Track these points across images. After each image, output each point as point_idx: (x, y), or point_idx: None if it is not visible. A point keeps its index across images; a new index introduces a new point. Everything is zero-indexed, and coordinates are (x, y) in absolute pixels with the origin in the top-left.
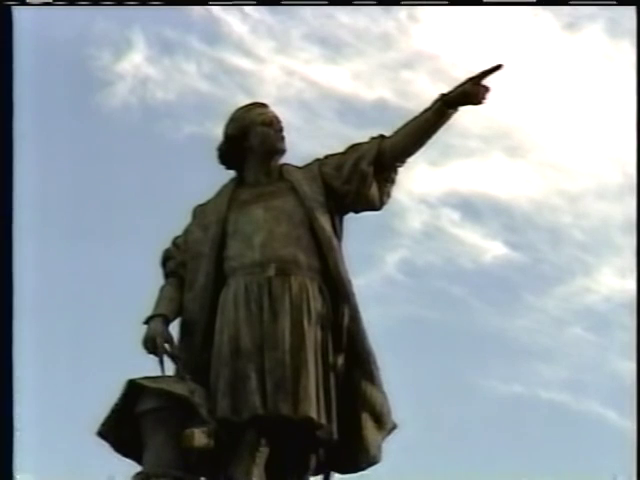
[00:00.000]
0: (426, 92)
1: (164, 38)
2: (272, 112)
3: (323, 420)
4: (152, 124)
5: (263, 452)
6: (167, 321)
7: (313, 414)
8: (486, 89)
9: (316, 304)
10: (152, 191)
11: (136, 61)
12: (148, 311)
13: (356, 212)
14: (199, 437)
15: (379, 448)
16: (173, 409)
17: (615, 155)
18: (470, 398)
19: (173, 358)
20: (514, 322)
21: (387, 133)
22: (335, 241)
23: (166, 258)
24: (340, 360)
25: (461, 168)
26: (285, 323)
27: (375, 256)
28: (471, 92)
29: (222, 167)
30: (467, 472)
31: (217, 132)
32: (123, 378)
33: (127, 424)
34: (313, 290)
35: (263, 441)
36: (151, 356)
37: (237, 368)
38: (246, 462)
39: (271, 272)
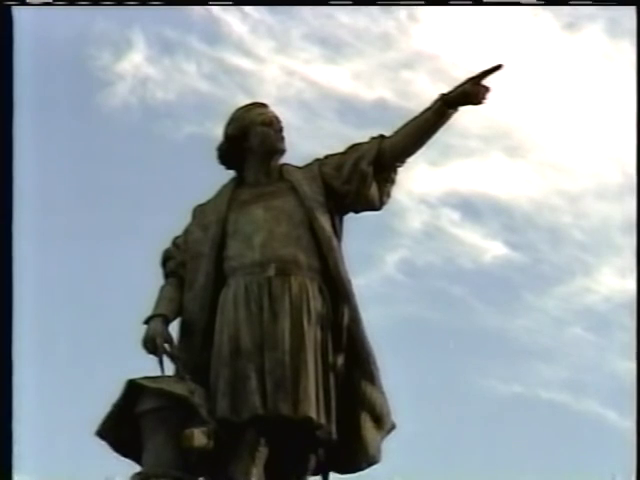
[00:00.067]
0: (426, 92)
1: (164, 38)
2: (272, 112)
3: (323, 420)
4: (152, 124)
5: (263, 452)
6: (167, 321)
7: (313, 414)
8: (486, 89)
9: (316, 304)
10: (152, 191)
11: (136, 61)
12: (148, 311)
13: (356, 212)
14: (199, 437)
15: (378, 448)
16: (173, 409)
17: (615, 155)
18: (470, 398)
19: (173, 358)
20: (514, 322)
21: (387, 133)
22: (335, 241)
23: (166, 258)
24: (340, 360)
25: (461, 168)
26: (285, 323)
27: (375, 256)
28: (471, 92)
29: (222, 167)
30: (467, 472)
31: (217, 132)
32: (123, 378)
33: (127, 424)
34: (313, 290)
35: (263, 441)
36: (151, 356)
37: (237, 368)
38: (246, 462)
39: (271, 272)
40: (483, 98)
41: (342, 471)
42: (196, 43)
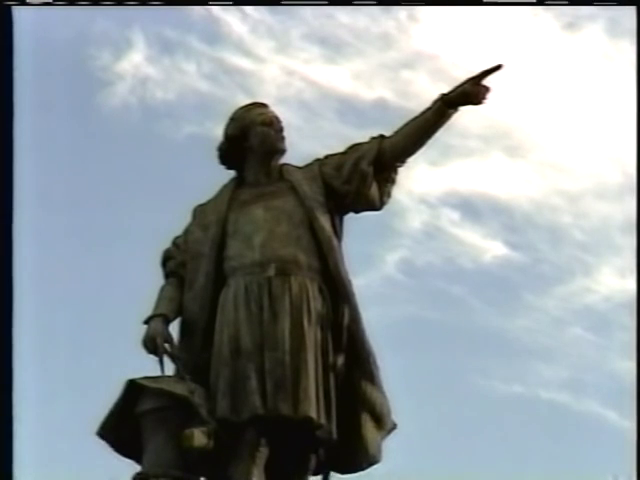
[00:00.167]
0: (426, 92)
1: (164, 38)
2: (272, 112)
3: (323, 420)
4: (152, 124)
5: (263, 452)
6: (167, 321)
7: (313, 414)
8: (486, 89)
9: (316, 304)
10: (152, 191)
11: (136, 61)
12: (148, 311)
13: (356, 212)
14: (199, 437)
15: (379, 448)
16: (173, 409)
17: (615, 155)
18: (470, 398)
19: (173, 358)
20: (514, 322)
21: (387, 133)
22: (335, 241)
23: (166, 258)
24: (340, 360)
25: (461, 168)
26: (285, 323)
27: (375, 256)
28: (471, 92)
29: (222, 167)
30: (467, 472)
31: (217, 132)
32: (123, 378)
33: (127, 424)
34: (313, 290)
35: (263, 441)
36: (151, 356)
37: (237, 368)
38: (246, 462)
39: (271, 272)
40: (483, 98)
41: (342, 471)
42: (196, 43)
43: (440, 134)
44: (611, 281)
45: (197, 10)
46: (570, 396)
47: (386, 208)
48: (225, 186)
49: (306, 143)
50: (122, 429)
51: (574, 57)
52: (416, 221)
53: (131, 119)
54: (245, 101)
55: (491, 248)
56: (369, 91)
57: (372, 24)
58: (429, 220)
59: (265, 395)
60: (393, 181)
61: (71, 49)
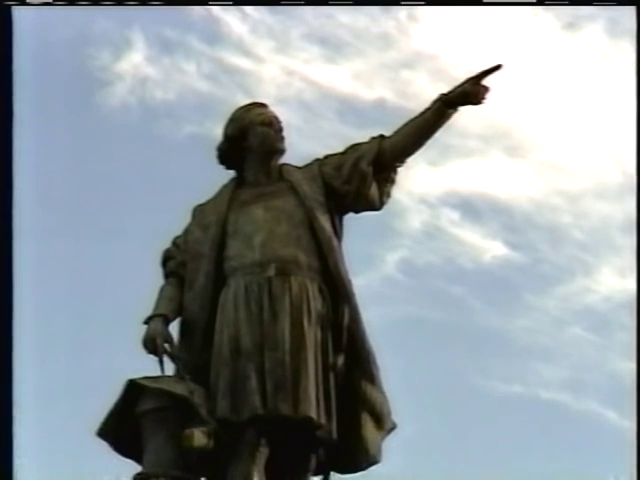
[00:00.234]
0: (426, 92)
1: (164, 38)
2: (272, 112)
3: (323, 420)
4: (152, 124)
5: (263, 452)
6: (167, 321)
7: (313, 414)
8: (486, 89)
9: (316, 304)
10: (152, 191)
11: (136, 61)
12: (148, 311)
13: (356, 212)
14: (199, 437)
15: (379, 448)
16: (173, 409)
17: (615, 155)
18: (470, 398)
19: (173, 358)
20: (514, 322)
21: (387, 133)
22: (335, 241)
23: (166, 258)
24: (340, 360)
25: (461, 168)
26: (285, 323)
27: (375, 256)
28: (471, 92)
29: (222, 167)
30: (467, 472)
31: (217, 132)
32: (123, 378)
33: (127, 424)
34: (313, 290)
35: (263, 441)
36: (151, 356)
37: (237, 368)
38: (246, 462)
39: (271, 272)
40: (483, 98)
41: (342, 471)
42: (196, 43)
43: (440, 134)
44: (611, 281)
45: (197, 10)
46: (570, 396)
47: (386, 208)
48: (225, 186)
49: (306, 143)
50: (122, 429)
51: (574, 57)
52: (416, 221)
53: (131, 119)
54: (245, 101)
55: (491, 248)
56: (369, 91)
57: (372, 24)
58: (429, 220)
59: (265, 395)
60: (393, 181)
61: (71, 49)
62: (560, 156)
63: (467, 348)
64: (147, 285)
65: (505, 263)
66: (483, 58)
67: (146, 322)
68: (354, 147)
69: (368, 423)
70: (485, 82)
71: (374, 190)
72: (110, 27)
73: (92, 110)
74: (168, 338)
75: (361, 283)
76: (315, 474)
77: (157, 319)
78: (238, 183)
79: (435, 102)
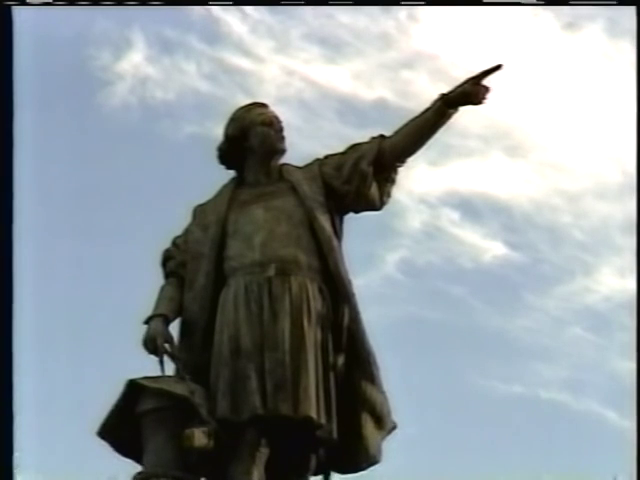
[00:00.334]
0: (426, 92)
1: (164, 38)
2: (272, 112)
3: (323, 420)
4: (152, 124)
5: (263, 452)
6: (167, 321)
7: (313, 414)
8: (486, 89)
9: (316, 304)
10: (152, 191)
11: (136, 61)
12: (148, 311)
13: (356, 212)
14: (199, 437)
15: (379, 448)
16: (173, 409)
17: (615, 155)
18: (470, 398)
19: (173, 358)
20: (514, 322)
21: (387, 133)
22: (335, 241)
23: (166, 258)
24: (340, 360)
25: (461, 168)
26: (285, 323)
27: (375, 256)
28: (471, 92)
29: (222, 167)
30: (467, 472)
31: (217, 132)
32: (123, 378)
33: (127, 424)
34: (313, 290)
35: (263, 441)
36: (151, 356)
37: (237, 368)
38: (246, 462)
39: (271, 272)
40: (483, 98)
41: (343, 471)
42: (196, 43)
43: (440, 134)
44: (611, 281)
45: (197, 10)
46: (570, 396)
47: (386, 208)
48: (225, 186)
49: (306, 143)
50: (122, 429)
51: (574, 57)
52: (416, 221)
53: (131, 119)
54: (245, 101)
55: (491, 248)
56: (369, 91)
57: (372, 24)
58: (429, 220)
59: (265, 395)
60: (393, 181)
61: (71, 49)
62: (560, 156)
63: (467, 348)
64: (147, 285)
65: (505, 263)
66: (483, 58)
67: (146, 322)
68: (354, 147)
69: (368, 423)
70: (485, 82)
71: (374, 190)
72: (110, 27)
73: (92, 110)
74: (168, 338)
75: (361, 283)
76: (315, 474)
77: (157, 319)
78: (238, 183)
79: (435, 102)
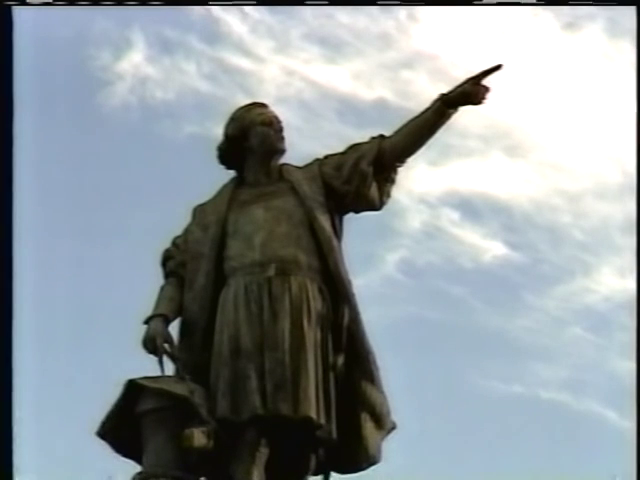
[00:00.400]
0: (426, 92)
1: (164, 38)
2: (272, 112)
3: (323, 420)
4: (152, 124)
5: (263, 452)
6: (167, 321)
7: (313, 414)
8: (486, 89)
9: (316, 304)
10: (152, 191)
11: (136, 61)
12: (148, 311)
13: (356, 212)
14: (199, 437)
15: (378, 448)
16: (173, 409)
17: (615, 155)
18: (470, 398)
19: (173, 358)
20: (514, 322)
21: (387, 133)
22: (335, 241)
23: (166, 258)
24: (340, 360)
25: (461, 168)
26: (285, 323)
27: (375, 256)
28: (471, 92)
29: (222, 167)
30: (467, 472)
31: (217, 132)
32: (123, 378)
33: (127, 424)
34: (313, 290)
35: (263, 441)
36: (151, 356)
37: (237, 368)
38: (246, 462)
39: (271, 272)
40: (483, 98)
41: (342, 471)
42: (196, 43)
43: (440, 134)
44: (611, 281)
45: (197, 10)
46: (570, 396)
47: (386, 208)
48: (225, 186)
49: (306, 143)
50: (122, 429)
51: (574, 57)
52: (416, 221)
53: (131, 119)
54: (245, 101)
55: (491, 248)
56: (369, 91)
57: (372, 24)
58: (429, 220)
59: (265, 395)
60: (393, 181)
61: (71, 49)
62: (560, 156)
63: (467, 348)
64: (147, 285)
65: (505, 263)
66: (483, 58)
67: (146, 322)
68: (354, 147)
69: (368, 423)
70: (485, 82)
71: (374, 190)
72: (110, 27)
73: (92, 110)
74: (168, 338)
75: (361, 283)
76: (315, 474)
77: (157, 319)
78: (238, 183)
79: (435, 102)
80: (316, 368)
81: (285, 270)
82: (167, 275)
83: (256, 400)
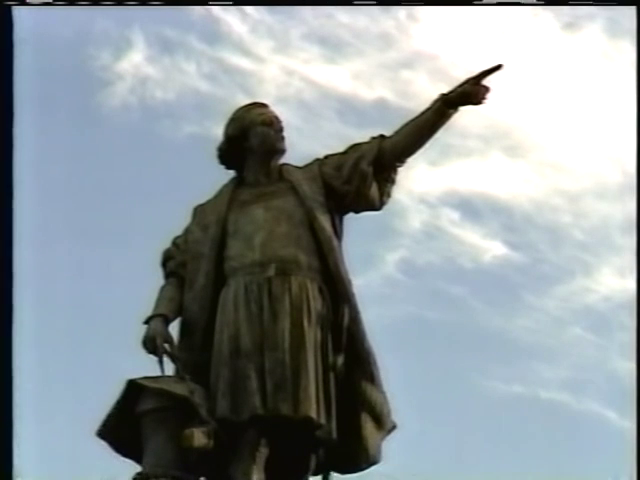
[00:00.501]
0: (426, 92)
1: (164, 38)
2: (272, 112)
3: (323, 420)
4: (152, 124)
5: (263, 452)
6: (167, 321)
7: (313, 414)
8: (486, 89)
9: (316, 304)
10: (152, 191)
11: (136, 61)
12: (148, 311)
13: (356, 212)
14: (199, 437)
15: (379, 448)
16: (173, 409)
17: (615, 155)
18: (470, 398)
19: (173, 358)
20: (514, 322)
21: (387, 133)
22: (335, 241)
23: (166, 258)
24: (340, 360)
25: (461, 168)
26: (285, 323)
27: (375, 256)
28: (471, 92)
29: (222, 167)
30: (467, 472)
31: (217, 132)
32: (123, 378)
33: (127, 424)
34: (313, 290)
35: (263, 441)
36: (151, 356)
37: (237, 368)
38: (246, 462)
39: (271, 272)
40: (483, 98)
41: (342, 471)
42: (196, 43)
43: (440, 134)
44: (611, 281)
45: (197, 10)
46: (570, 396)
47: (386, 208)
48: (225, 186)
49: (306, 143)
50: (122, 429)
51: (574, 57)
52: (416, 221)
53: (131, 119)
54: (245, 101)
55: (491, 248)
56: (369, 91)
57: (372, 24)
58: (429, 220)
59: (265, 395)
60: (393, 181)
61: (71, 49)
62: (560, 156)
63: (467, 348)
64: (147, 285)
65: (505, 263)
66: (483, 58)
67: (146, 322)
68: (354, 147)
69: (368, 423)
70: (485, 82)
71: (374, 190)
72: (110, 27)
73: (92, 110)
74: (168, 338)
75: (361, 283)
76: (315, 474)
77: (157, 319)
78: (238, 183)
79: (435, 102)
80: (316, 368)
81: (285, 270)
82: (167, 275)
83: (256, 400)
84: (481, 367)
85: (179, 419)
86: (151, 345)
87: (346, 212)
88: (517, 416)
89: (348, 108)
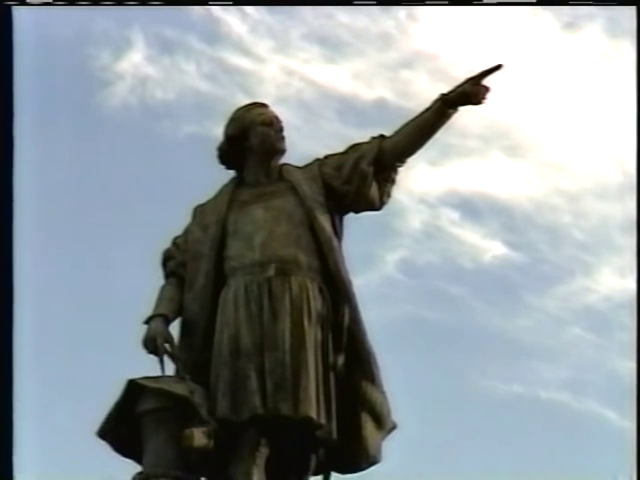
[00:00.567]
0: (426, 92)
1: (164, 38)
2: (272, 112)
3: (323, 420)
4: (152, 124)
5: (263, 452)
6: (167, 321)
7: (313, 414)
8: (486, 89)
9: (316, 304)
10: (152, 191)
11: (136, 61)
12: (148, 311)
13: (356, 212)
14: (199, 437)
15: (379, 448)
16: (173, 409)
17: (615, 155)
18: (470, 398)
19: (173, 358)
20: (514, 322)
21: (387, 133)
22: (335, 241)
23: (166, 258)
24: (340, 360)
25: (461, 168)
26: (285, 323)
27: (375, 256)
28: (471, 92)
29: (222, 167)
30: (467, 472)
31: (217, 132)
32: (123, 378)
33: (127, 424)
34: (313, 290)
35: (263, 441)
36: (151, 356)
37: (237, 368)
38: (246, 462)
39: (271, 272)
40: (483, 98)
41: (342, 471)
42: (196, 43)
43: (440, 134)
44: (611, 281)
45: (197, 10)
46: (570, 396)
47: (386, 208)
48: (225, 186)
49: (306, 143)
50: (122, 429)
51: (574, 57)
52: (416, 221)
53: (131, 119)
54: (245, 101)
55: (491, 248)
56: (369, 91)
57: (372, 24)
58: (429, 220)
59: (265, 395)
60: (393, 181)
61: (71, 49)
62: (560, 156)
63: (467, 348)
64: (147, 285)
65: (505, 263)
66: (483, 58)
67: (146, 322)
68: (354, 147)
69: (368, 423)
70: (485, 82)
71: (374, 190)
72: (110, 27)
73: (92, 110)
74: (168, 338)
75: (361, 283)
76: (315, 474)
77: (157, 319)
78: (238, 183)
79: (435, 102)
80: (316, 368)
81: (285, 270)
82: (167, 275)
83: (256, 400)
84: (481, 367)
85: (179, 419)
86: (152, 345)
87: (346, 212)
88: (517, 416)
89: (348, 108)
